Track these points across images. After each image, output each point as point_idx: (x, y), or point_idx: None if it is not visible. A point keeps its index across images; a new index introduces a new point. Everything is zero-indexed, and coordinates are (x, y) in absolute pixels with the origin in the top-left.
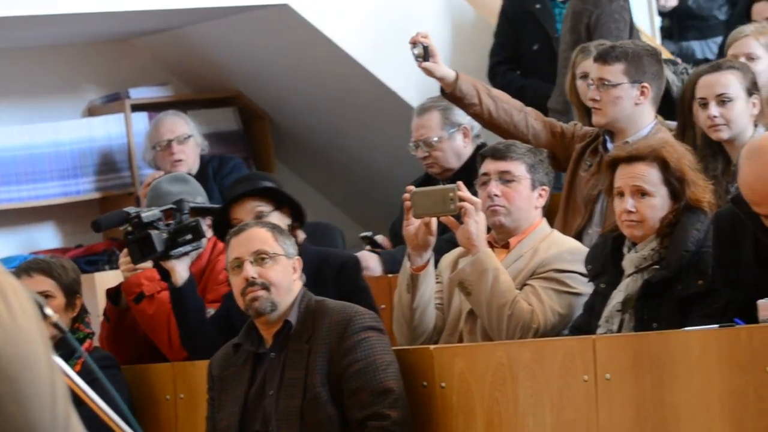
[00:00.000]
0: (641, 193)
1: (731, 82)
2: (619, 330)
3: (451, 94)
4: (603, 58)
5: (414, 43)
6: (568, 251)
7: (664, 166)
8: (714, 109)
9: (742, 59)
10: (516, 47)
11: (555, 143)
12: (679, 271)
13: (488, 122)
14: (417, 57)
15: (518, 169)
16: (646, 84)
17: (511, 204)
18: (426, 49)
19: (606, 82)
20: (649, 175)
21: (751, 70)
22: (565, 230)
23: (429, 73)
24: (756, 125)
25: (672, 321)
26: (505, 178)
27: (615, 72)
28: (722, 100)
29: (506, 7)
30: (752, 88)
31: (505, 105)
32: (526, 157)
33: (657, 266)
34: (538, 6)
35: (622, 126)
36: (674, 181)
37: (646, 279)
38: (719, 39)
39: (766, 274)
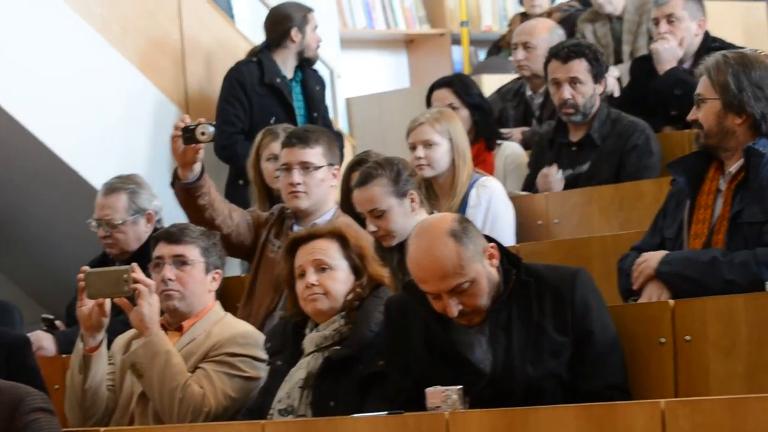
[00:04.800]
0: (322, 267)
1: (377, 196)
2: (299, 406)
3: (193, 184)
4: (303, 141)
5: (187, 126)
6: (241, 335)
7: (343, 242)
8: (371, 225)
9: (421, 148)
10: (251, 119)
11: (249, 232)
12: (361, 351)
13: (209, 216)
14: (202, 135)
15: (192, 252)
16: (337, 167)
17: (185, 288)
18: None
19: (309, 166)
20: (330, 250)
21: (397, 167)
22: (251, 312)
23: (191, 156)
24: (432, 213)
25: (350, 401)
26: (179, 261)
27: (317, 155)
28: (376, 216)
29: (242, 78)
30: (402, 187)
31: (219, 197)
32: (199, 241)
33: (338, 347)
34: (278, 80)
35: (313, 209)
36: (354, 257)
37: (327, 356)
38: None
39: (435, 361)
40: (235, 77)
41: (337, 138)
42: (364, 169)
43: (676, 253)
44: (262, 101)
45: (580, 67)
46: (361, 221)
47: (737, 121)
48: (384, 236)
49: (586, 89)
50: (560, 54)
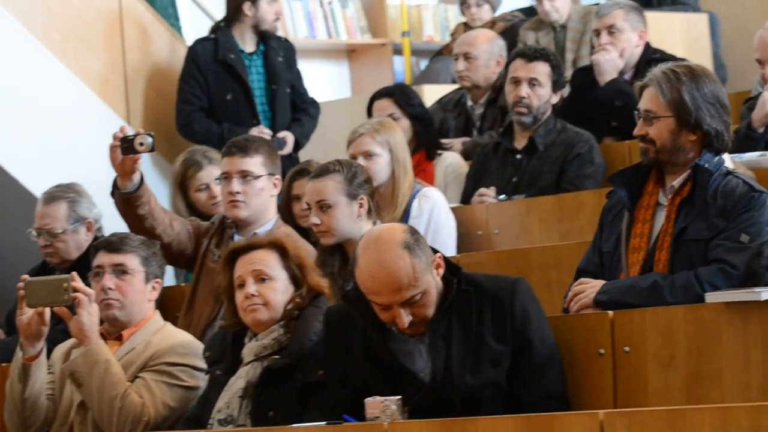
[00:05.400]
0: (262, 278)
1: (328, 189)
2: (239, 416)
3: (132, 194)
4: (243, 150)
5: (125, 137)
6: (180, 344)
7: (282, 253)
8: (314, 218)
9: (361, 159)
10: (209, 96)
11: (190, 241)
12: (300, 360)
13: (149, 225)
14: (140, 146)
15: (132, 261)
16: (278, 176)
17: (125, 297)
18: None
19: (248, 175)
20: (269, 260)
21: (354, 169)
22: (191, 322)
23: (130, 166)
24: (375, 222)
25: (289, 410)
26: (119, 270)
27: (256, 164)
28: (322, 209)
29: (196, 57)
30: (355, 190)
31: (160, 206)
32: (140, 250)
33: (277, 356)
34: (232, 56)
35: (254, 218)
36: (294, 267)
37: (266, 366)
38: None
39: (374, 371)
40: (190, 56)
41: (313, 107)
42: (322, 164)
43: (614, 283)
44: (217, 78)
45: (542, 70)
46: (302, 231)
47: (691, 137)
48: (324, 232)
49: (544, 93)
50: (526, 53)
